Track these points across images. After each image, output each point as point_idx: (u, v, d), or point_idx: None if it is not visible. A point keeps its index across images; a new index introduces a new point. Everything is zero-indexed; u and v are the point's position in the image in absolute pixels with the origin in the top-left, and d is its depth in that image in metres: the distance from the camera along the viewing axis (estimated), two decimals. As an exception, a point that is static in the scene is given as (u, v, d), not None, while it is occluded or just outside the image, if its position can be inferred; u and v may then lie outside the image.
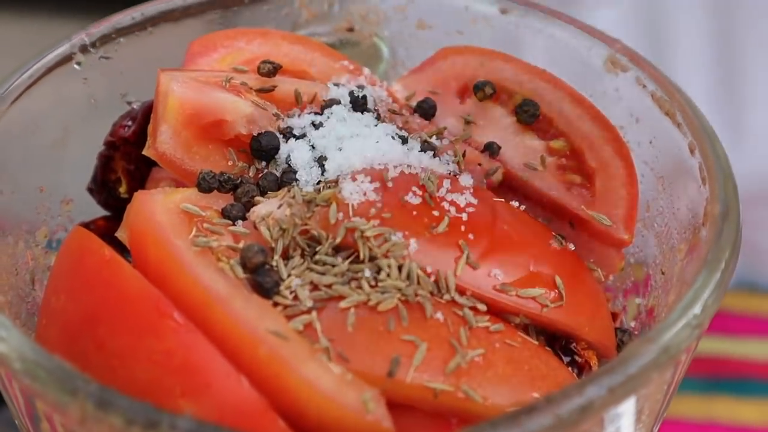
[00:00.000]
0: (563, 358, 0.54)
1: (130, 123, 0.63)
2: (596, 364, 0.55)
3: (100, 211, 0.65)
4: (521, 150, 0.62)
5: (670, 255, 0.56)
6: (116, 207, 0.65)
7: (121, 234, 0.55)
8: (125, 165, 0.64)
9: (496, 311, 0.52)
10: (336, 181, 0.54)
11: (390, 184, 0.53)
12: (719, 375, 0.94)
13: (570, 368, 0.53)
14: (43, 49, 0.60)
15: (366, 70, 0.66)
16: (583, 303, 0.54)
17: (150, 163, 0.62)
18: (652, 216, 0.60)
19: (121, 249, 0.55)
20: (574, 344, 0.54)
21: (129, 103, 0.66)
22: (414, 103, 0.65)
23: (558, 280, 0.53)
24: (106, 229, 0.65)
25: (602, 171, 0.60)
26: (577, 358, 0.54)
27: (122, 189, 0.65)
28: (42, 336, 0.53)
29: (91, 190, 0.64)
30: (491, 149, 0.61)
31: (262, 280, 0.49)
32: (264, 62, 0.61)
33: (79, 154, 0.63)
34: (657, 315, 0.56)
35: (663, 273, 0.56)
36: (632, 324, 0.61)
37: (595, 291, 0.56)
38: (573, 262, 0.56)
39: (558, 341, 0.54)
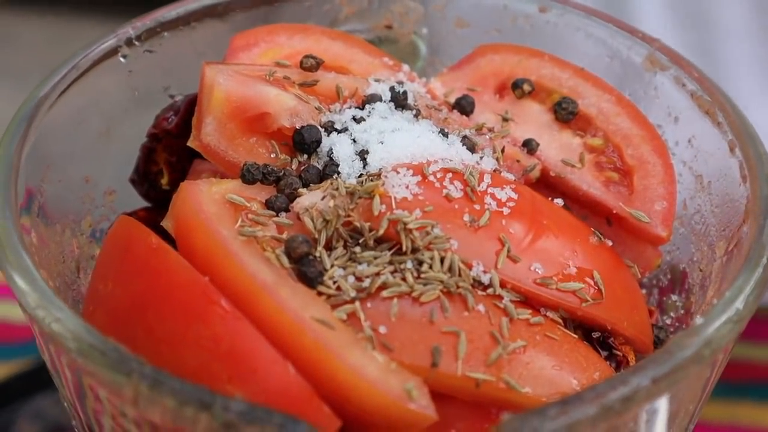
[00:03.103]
0: (601, 352, 0.54)
1: (172, 115, 0.64)
2: (633, 360, 0.55)
3: (141, 203, 0.66)
4: (559, 147, 0.63)
5: (708, 252, 0.56)
6: (157, 198, 0.66)
7: (166, 223, 0.55)
8: (167, 157, 0.65)
9: (536, 305, 0.53)
10: (378, 174, 0.55)
11: (432, 178, 0.54)
12: (743, 379, 0.94)
13: (608, 362, 0.54)
14: (91, 42, 0.61)
15: (405, 67, 0.67)
16: (622, 298, 0.55)
17: (191, 156, 0.62)
18: (689, 214, 0.60)
19: (163, 239, 0.56)
20: (611, 339, 0.55)
21: (171, 96, 0.67)
22: (452, 100, 0.65)
23: (597, 275, 0.53)
24: (147, 220, 0.65)
25: (640, 169, 0.60)
26: (615, 352, 0.54)
27: (164, 181, 0.65)
28: (88, 321, 0.54)
29: (133, 181, 0.65)
30: (530, 146, 0.62)
31: (306, 270, 0.50)
32: (307, 57, 0.62)
33: (122, 145, 0.64)
34: (695, 312, 0.57)
35: (701, 270, 0.57)
36: (668, 321, 0.61)
37: (633, 287, 0.57)
38: (611, 258, 0.56)
39: (595, 336, 0.55)
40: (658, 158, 0.60)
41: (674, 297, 0.61)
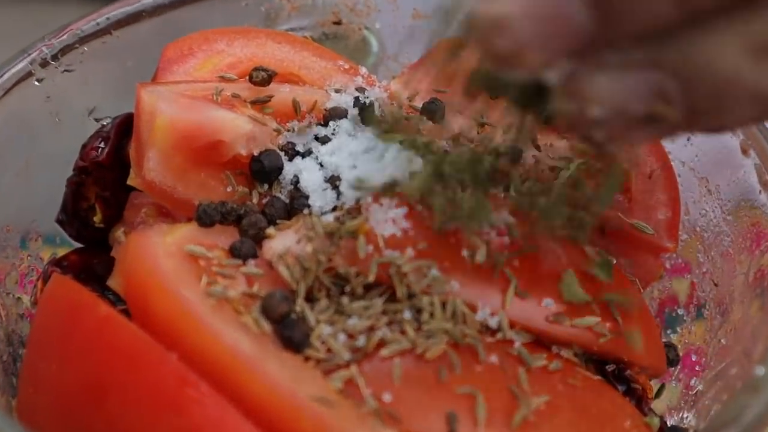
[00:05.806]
0: (618, 387, 0.49)
1: (102, 144, 0.56)
2: (652, 390, 0.50)
3: (71, 244, 0.57)
4: (544, 152, 0.57)
5: (722, 264, 0.51)
6: (90, 238, 0.58)
7: (113, 282, 0.47)
8: (99, 191, 0.57)
9: (547, 342, 0.47)
10: (359, 208, 0.47)
11: (420, 208, 0.47)
12: None
13: (628, 398, 0.48)
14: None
15: (363, 70, 0.59)
16: (637, 326, 0.49)
17: (127, 188, 0.54)
18: (693, 219, 0.55)
19: (100, 281, 0.49)
20: (627, 371, 0.49)
21: (97, 120, 0.58)
22: (419, 105, 0.58)
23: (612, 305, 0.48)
24: (81, 263, 0.57)
25: (637, 173, 0.55)
26: (633, 386, 0.49)
27: (97, 218, 0.57)
28: (29, 408, 0.46)
29: (61, 222, 0.57)
30: (513, 154, 0.55)
31: (291, 334, 0.43)
32: (257, 70, 0.54)
33: (45, 182, 0.56)
34: (711, 330, 0.51)
35: (716, 285, 0.51)
36: (673, 336, 0.56)
37: (644, 310, 0.51)
38: (620, 281, 0.51)
39: (610, 369, 0.49)
40: (656, 160, 0.55)
41: (680, 311, 0.56)
